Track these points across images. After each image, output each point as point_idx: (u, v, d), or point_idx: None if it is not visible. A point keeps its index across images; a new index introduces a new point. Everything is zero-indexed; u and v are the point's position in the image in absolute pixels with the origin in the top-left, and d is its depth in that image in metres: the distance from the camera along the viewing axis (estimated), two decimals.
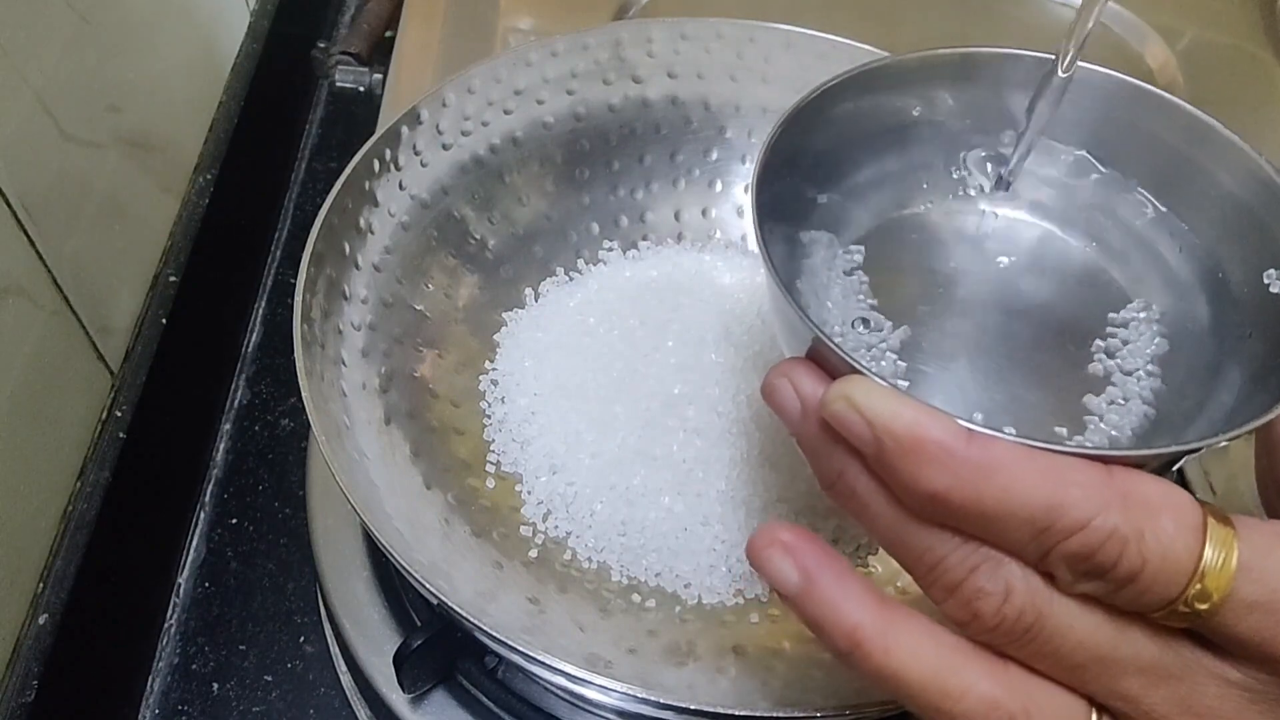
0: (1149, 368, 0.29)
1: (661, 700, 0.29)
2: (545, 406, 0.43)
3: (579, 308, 0.46)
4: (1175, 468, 0.24)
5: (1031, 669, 0.23)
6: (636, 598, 0.39)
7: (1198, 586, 0.21)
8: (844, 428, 0.22)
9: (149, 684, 0.45)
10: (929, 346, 0.29)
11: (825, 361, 0.24)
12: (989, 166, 0.32)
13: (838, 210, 0.31)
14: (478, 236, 0.46)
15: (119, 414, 0.47)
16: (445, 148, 0.45)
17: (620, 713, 0.37)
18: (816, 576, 0.24)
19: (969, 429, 0.21)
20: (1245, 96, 0.64)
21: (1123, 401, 0.28)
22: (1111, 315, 0.30)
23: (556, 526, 0.40)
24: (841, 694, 0.34)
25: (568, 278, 0.48)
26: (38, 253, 0.42)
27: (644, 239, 0.49)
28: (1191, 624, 0.21)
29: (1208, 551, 0.21)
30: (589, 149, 0.48)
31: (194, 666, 0.45)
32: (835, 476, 0.24)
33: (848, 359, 0.23)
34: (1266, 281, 0.27)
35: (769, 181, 0.27)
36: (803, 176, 0.30)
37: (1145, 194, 0.31)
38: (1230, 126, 0.28)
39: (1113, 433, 0.28)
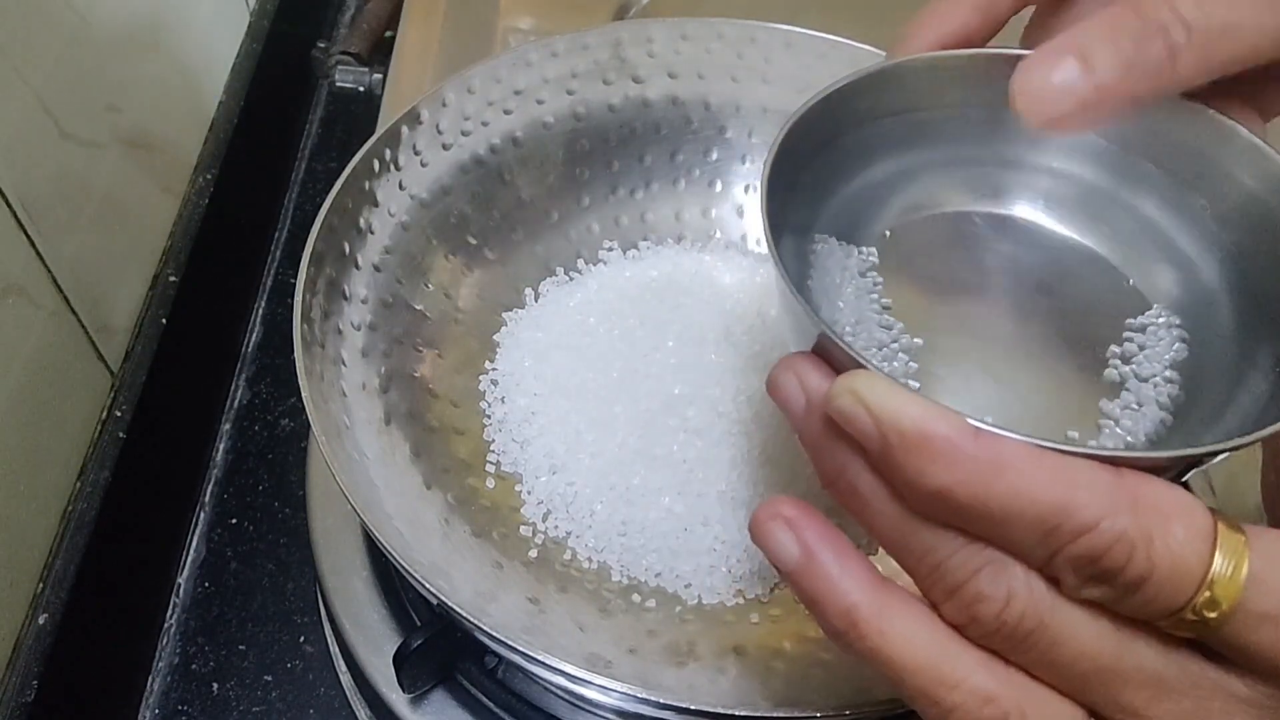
0: (1167, 373, 0.28)
1: (661, 700, 0.29)
2: (545, 406, 0.43)
3: (579, 308, 0.46)
4: (1191, 473, 0.24)
5: (1032, 675, 0.23)
6: (636, 598, 0.39)
7: (1206, 594, 0.20)
8: (849, 422, 0.22)
9: (149, 684, 0.45)
10: (942, 347, 0.29)
11: (831, 358, 0.24)
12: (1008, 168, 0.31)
13: (852, 211, 0.31)
14: (478, 236, 0.46)
15: (119, 414, 0.47)
16: (445, 148, 0.45)
17: (620, 713, 0.37)
18: (816, 552, 0.23)
19: (977, 426, 0.21)
20: None
21: (1137, 407, 0.28)
22: (1129, 321, 0.29)
23: (556, 526, 0.40)
24: (841, 694, 0.34)
25: (568, 278, 0.48)
26: (38, 253, 0.42)
27: (644, 239, 0.49)
28: (1199, 633, 0.21)
29: (1217, 559, 0.20)
30: (589, 149, 0.48)
31: (194, 666, 0.45)
32: (837, 473, 0.23)
33: (854, 355, 0.23)
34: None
35: (780, 180, 0.27)
36: (815, 177, 0.30)
37: (1169, 196, 0.30)
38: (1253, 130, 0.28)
39: (1127, 438, 0.27)
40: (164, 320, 0.50)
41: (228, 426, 0.54)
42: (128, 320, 0.50)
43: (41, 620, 0.41)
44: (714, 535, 0.39)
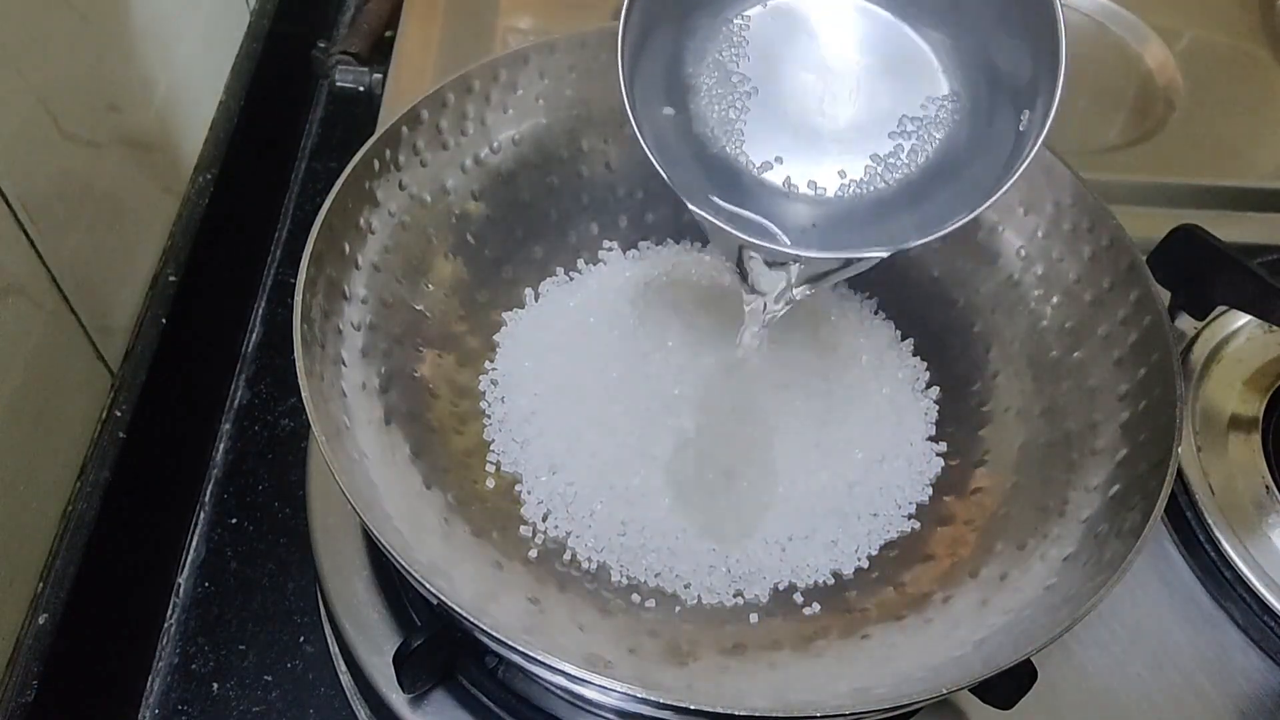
0: (936, 137, 0.36)
1: (661, 700, 0.29)
2: (545, 406, 0.43)
3: (579, 308, 0.46)
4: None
5: None
6: (636, 598, 0.39)
7: None
8: None
9: (149, 684, 0.45)
10: (773, 94, 0.37)
11: None
12: None
13: None
14: (477, 236, 0.46)
15: (119, 414, 0.47)
16: (445, 147, 0.45)
17: (620, 713, 0.37)
18: None
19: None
20: (1244, 96, 0.65)
21: (905, 158, 0.36)
22: (928, 96, 0.37)
23: (556, 526, 0.40)
24: (841, 693, 0.34)
25: (568, 278, 0.48)
26: (38, 253, 0.42)
27: (644, 239, 0.49)
28: None
29: None
30: (589, 148, 0.48)
31: (194, 666, 0.45)
32: None
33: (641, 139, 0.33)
34: (1020, 119, 0.34)
35: None
36: None
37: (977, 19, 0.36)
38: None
39: (880, 182, 0.37)
40: (164, 320, 0.50)
41: (228, 426, 0.54)
42: (128, 320, 0.50)
43: (41, 620, 0.41)
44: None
